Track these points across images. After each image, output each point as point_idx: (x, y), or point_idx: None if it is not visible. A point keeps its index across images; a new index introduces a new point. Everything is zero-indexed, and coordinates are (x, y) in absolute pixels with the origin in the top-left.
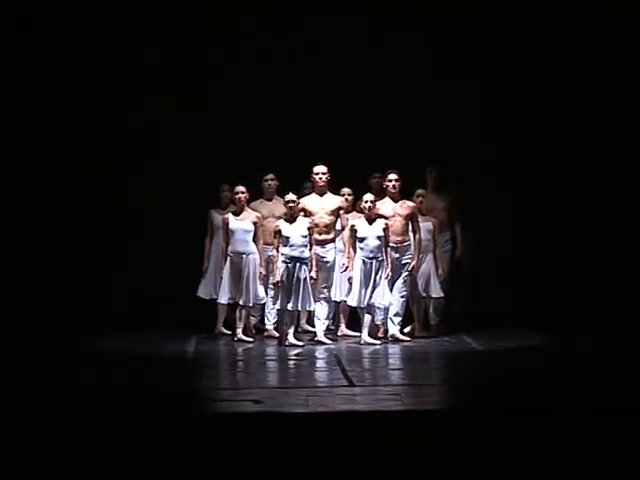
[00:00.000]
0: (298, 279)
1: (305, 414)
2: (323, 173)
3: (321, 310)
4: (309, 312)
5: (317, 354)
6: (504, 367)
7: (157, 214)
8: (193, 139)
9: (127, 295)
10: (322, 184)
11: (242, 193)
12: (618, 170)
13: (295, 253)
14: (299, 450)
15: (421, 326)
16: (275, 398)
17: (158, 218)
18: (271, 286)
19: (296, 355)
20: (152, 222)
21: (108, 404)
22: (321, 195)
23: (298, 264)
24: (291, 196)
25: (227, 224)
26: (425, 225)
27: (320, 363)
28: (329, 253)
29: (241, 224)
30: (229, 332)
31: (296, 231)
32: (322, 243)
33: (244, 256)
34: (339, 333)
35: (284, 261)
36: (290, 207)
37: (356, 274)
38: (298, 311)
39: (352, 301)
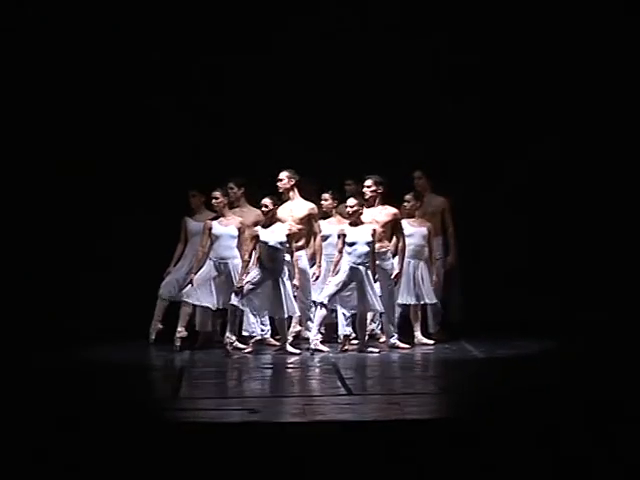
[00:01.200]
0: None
1: (302, 423)
2: (280, 179)
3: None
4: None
5: (314, 362)
6: (505, 375)
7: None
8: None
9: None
10: (281, 190)
11: (216, 199)
12: (619, 173)
13: (273, 259)
14: (295, 460)
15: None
16: (271, 407)
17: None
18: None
19: (293, 363)
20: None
21: (91, 416)
22: (287, 201)
23: (279, 271)
24: (266, 201)
25: (210, 229)
26: (420, 230)
27: (317, 371)
28: (300, 260)
29: (226, 229)
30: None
31: (273, 237)
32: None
33: (228, 262)
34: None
35: (261, 267)
36: (263, 212)
37: (340, 275)
38: (289, 318)
39: (319, 296)
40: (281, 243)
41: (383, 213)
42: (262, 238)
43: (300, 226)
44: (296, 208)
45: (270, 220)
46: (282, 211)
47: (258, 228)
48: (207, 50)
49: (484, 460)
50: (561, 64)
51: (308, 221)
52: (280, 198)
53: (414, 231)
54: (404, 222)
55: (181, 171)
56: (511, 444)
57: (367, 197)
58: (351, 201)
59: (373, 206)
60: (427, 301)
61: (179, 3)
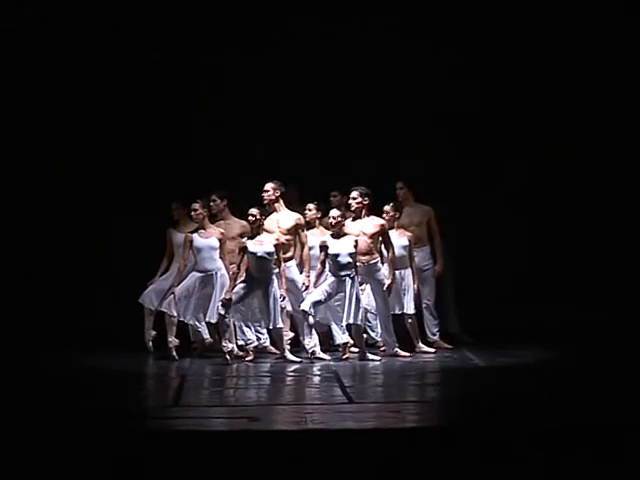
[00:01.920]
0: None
1: (302, 431)
2: (266, 191)
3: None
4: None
5: (315, 370)
6: (506, 384)
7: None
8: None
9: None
10: (266, 202)
11: (195, 211)
12: (617, 177)
13: (260, 269)
14: (295, 469)
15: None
16: (271, 415)
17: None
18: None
19: (293, 371)
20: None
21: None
22: (275, 212)
23: (266, 281)
24: (253, 211)
25: (191, 242)
26: (400, 241)
27: (318, 379)
28: (290, 271)
29: (207, 241)
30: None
31: (261, 248)
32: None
33: (213, 274)
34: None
35: (249, 277)
36: (250, 222)
37: (323, 285)
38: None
39: (304, 304)
40: (269, 253)
41: (370, 224)
42: (250, 249)
43: (288, 237)
44: (283, 219)
45: (257, 230)
46: (269, 222)
47: (245, 239)
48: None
49: (483, 468)
50: (558, 61)
51: (295, 232)
52: (265, 209)
53: (394, 242)
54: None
55: (175, 178)
56: (510, 452)
57: (353, 209)
58: (334, 212)
59: (360, 218)
60: (405, 311)
61: (175, 3)
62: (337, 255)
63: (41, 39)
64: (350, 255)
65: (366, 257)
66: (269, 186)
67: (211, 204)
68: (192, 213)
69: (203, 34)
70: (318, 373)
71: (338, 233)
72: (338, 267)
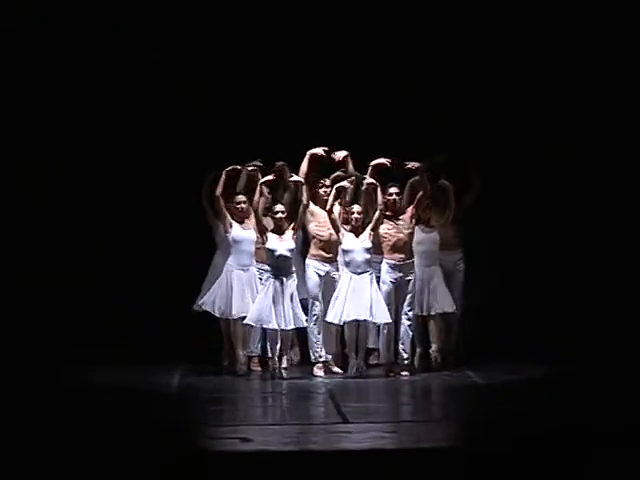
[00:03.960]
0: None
1: (295, 452)
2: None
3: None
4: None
5: (309, 388)
6: (505, 402)
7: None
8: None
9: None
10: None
11: (239, 203)
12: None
13: (280, 267)
14: None
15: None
16: (264, 435)
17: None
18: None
19: (287, 389)
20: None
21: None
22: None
23: (284, 279)
24: (279, 207)
25: (231, 225)
26: (431, 236)
27: (312, 398)
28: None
29: (247, 234)
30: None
31: (282, 245)
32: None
33: (250, 269)
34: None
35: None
36: (275, 218)
37: (342, 288)
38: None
39: (331, 317)
40: (290, 250)
41: (406, 220)
42: (270, 246)
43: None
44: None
45: (281, 227)
46: (319, 211)
47: (268, 234)
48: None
49: None
50: (558, 61)
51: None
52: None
53: (424, 237)
54: (416, 228)
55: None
56: (510, 472)
57: (394, 207)
58: (357, 207)
59: (398, 215)
60: (446, 309)
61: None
62: (352, 252)
63: (41, 39)
64: (367, 251)
65: (402, 255)
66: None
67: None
68: (237, 206)
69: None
70: (313, 392)
71: (357, 229)
72: (355, 265)
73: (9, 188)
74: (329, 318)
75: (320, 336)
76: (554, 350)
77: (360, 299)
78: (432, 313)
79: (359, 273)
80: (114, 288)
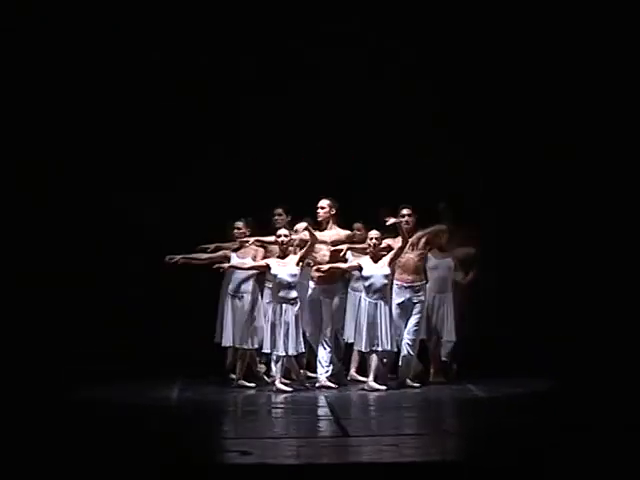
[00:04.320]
0: (286, 321)
1: (296, 466)
2: (322, 207)
3: (323, 354)
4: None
5: (310, 402)
6: (507, 416)
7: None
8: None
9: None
10: (321, 218)
11: (239, 229)
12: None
13: (282, 293)
14: None
15: (437, 371)
16: (264, 449)
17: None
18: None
19: (288, 403)
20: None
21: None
22: (322, 230)
23: (285, 305)
24: (283, 231)
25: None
26: (445, 261)
27: (313, 412)
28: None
29: (243, 262)
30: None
31: (285, 270)
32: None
33: (244, 295)
34: (348, 377)
35: (273, 302)
36: (279, 243)
37: (362, 315)
38: (293, 355)
39: (359, 345)
40: (292, 275)
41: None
42: (273, 271)
43: (336, 253)
44: (333, 236)
45: (285, 252)
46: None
47: (272, 260)
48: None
49: None
50: (558, 61)
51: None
52: (319, 226)
53: (438, 262)
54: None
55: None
56: None
57: (407, 227)
58: (375, 232)
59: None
60: (444, 337)
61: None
62: (371, 277)
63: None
64: (386, 277)
65: (412, 276)
66: (325, 203)
67: (276, 218)
68: (235, 231)
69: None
70: (313, 405)
71: (375, 254)
72: (373, 290)
73: (9, 188)
74: (359, 347)
75: (326, 352)
76: (555, 355)
77: (373, 328)
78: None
79: (375, 299)
80: (114, 295)
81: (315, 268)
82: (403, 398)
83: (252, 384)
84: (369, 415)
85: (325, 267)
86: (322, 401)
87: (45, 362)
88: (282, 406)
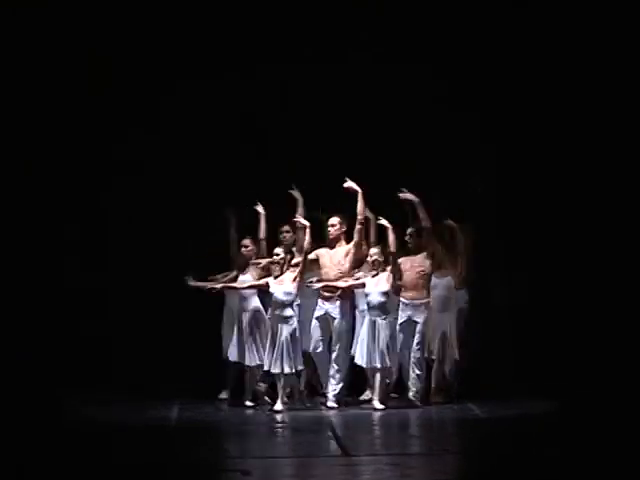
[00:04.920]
0: (281, 340)
1: None
2: (332, 225)
3: (333, 372)
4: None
5: (311, 421)
6: (507, 436)
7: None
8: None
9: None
10: (332, 236)
11: (246, 247)
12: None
13: (277, 312)
14: None
15: (437, 390)
16: (264, 468)
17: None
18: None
19: (288, 422)
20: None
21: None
22: (332, 248)
23: (280, 324)
24: (278, 250)
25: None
26: (443, 281)
27: (313, 431)
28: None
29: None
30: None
31: (281, 289)
32: (329, 299)
33: (248, 313)
34: (363, 397)
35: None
36: (275, 262)
37: (363, 331)
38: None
39: (360, 360)
40: (287, 293)
41: (420, 259)
42: (271, 289)
43: (342, 270)
44: (340, 253)
45: (281, 270)
46: (324, 256)
47: (270, 279)
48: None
49: None
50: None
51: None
52: (326, 244)
53: (438, 282)
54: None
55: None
56: None
57: (410, 243)
58: (375, 250)
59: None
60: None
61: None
62: (369, 294)
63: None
64: (384, 294)
65: (411, 293)
66: (336, 220)
67: (284, 235)
68: (242, 249)
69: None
70: (313, 424)
71: (377, 272)
72: (371, 306)
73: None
74: (360, 362)
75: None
76: (555, 377)
77: (372, 345)
78: (433, 357)
79: (374, 317)
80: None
81: (322, 285)
82: (403, 418)
83: (250, 403)
84: (369, 435)
85: (331, 284)
86: (322, 421)
87: (41, 382)
88: (282, 425)
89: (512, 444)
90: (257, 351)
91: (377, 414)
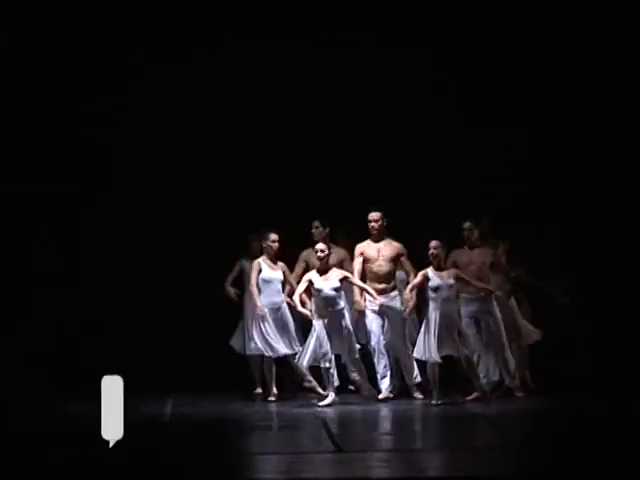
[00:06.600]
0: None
1: None
2: (375, 220)
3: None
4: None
5: (303, 417)
6: (499, 433)
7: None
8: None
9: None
10: (375, 231)
11: (274, 241)
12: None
13: (329, 308)
14: None
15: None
16: (254, 465)
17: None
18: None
19: (280, 419)
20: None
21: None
22: (377, 242)
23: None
24: (321, 246)
25: (260, 271)
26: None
27: (306, 427)
28: (395, 301)
29: (276, 274)
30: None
31: (327, 284)
32: (383, 292)
33: (282, 306)
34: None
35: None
36: (319, 258)
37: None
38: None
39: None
40: (335, 289)
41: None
42: (316, 285)
43: (390, 264)
44: (385, 248)
45: (325, 266)
46: (370, 251)
47: (312, 274)
48: None
49: None
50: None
51: (397, 261)
52: (373, 239)
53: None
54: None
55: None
56: None
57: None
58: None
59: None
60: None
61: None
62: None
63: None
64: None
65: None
66: (377, 215)
67: (313, 231)
68: (268, 243)
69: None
70: (306, 421)
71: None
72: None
73: None
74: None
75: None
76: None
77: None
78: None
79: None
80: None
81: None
82: (397, 414)
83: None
84: (362, 431)
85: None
86: (315, 417)
87: (31, 373)
88: (275, 422)
89: (508, 439)
90: (290, 342)
91: (368, 411)
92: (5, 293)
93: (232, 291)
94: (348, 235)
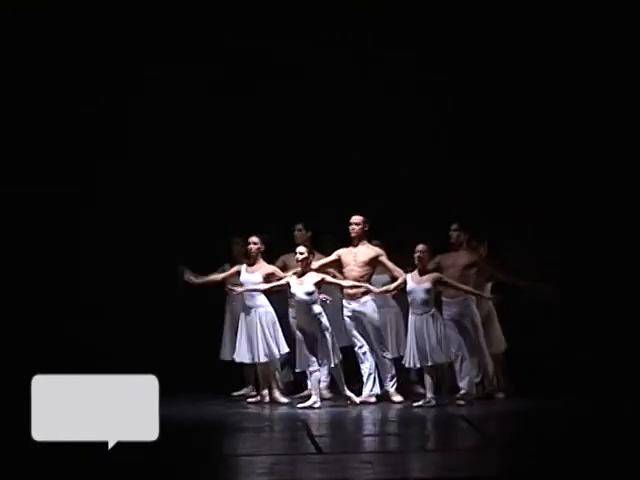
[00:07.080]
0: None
1: None
2: (356, 224)
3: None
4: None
5: (284, 419)
6: (484, 435)
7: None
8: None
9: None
10: (354, 234)
11: (255, 244)
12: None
13: (303, 312)
14: None
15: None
16: (235, 467)
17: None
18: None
19: (261, 420)
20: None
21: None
22: (356, 246)
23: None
24: (301, 249)
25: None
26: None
27: (286, 429)
28: (366, 306)
29: (251, 277)
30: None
31: (301, 289)
32: (354, 297)
33: (254, 311)
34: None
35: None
36: (299, 260)
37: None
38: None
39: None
40: (308, 293)
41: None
42: (292, 289)
43: (365, 270)
44: (361, 253)
45: (304, 269)
46: (346, 256)
47: (292, 277)
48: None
49: None
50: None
51: (373, 265)
52: (351, 243)
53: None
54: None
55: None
56: None
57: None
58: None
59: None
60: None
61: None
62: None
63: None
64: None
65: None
66: (359, 219)
67: (296, 233)
68: (250, 246)
69: None
70: (287, 422)
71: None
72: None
73: None
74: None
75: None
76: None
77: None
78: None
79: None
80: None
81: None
82: (380, 416)
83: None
84: (343, 432)
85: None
86: (296, 419)
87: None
88: (254, 423)
89: (493, 441)
90: (270, 348)
91: (349, 412)
92: (5, 293)
93: (193, 276)
94: (337, 240)
